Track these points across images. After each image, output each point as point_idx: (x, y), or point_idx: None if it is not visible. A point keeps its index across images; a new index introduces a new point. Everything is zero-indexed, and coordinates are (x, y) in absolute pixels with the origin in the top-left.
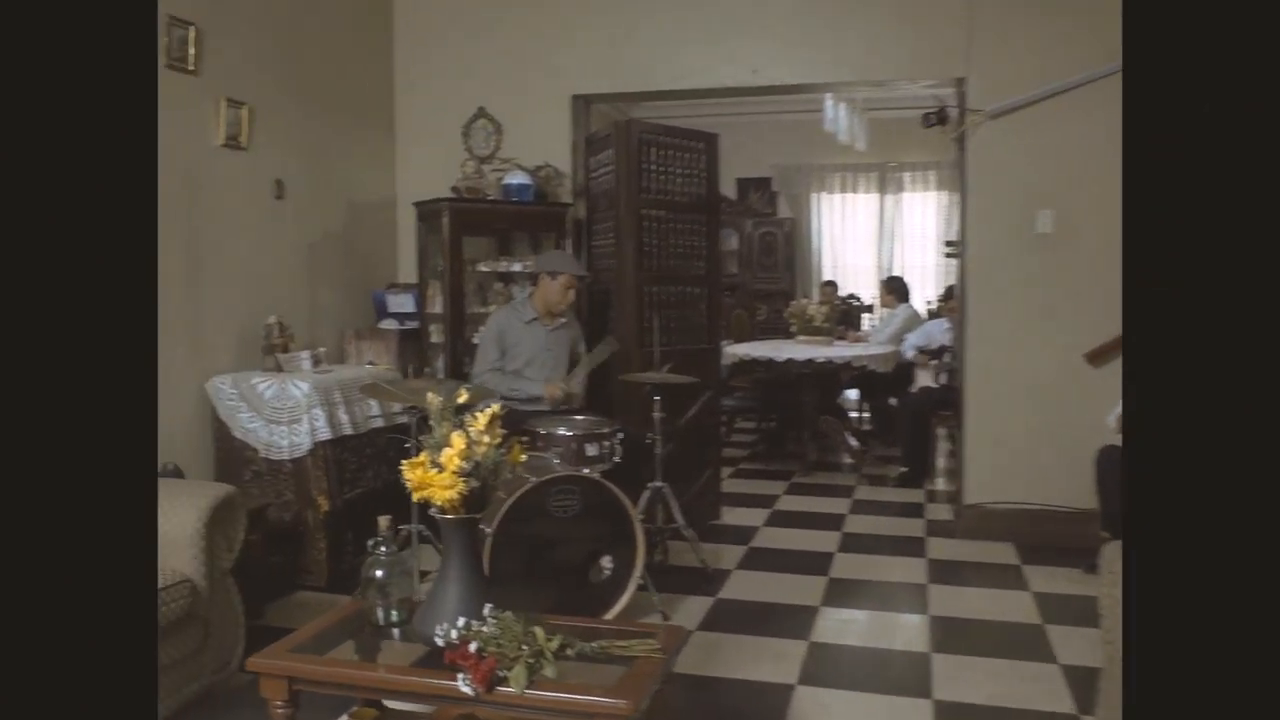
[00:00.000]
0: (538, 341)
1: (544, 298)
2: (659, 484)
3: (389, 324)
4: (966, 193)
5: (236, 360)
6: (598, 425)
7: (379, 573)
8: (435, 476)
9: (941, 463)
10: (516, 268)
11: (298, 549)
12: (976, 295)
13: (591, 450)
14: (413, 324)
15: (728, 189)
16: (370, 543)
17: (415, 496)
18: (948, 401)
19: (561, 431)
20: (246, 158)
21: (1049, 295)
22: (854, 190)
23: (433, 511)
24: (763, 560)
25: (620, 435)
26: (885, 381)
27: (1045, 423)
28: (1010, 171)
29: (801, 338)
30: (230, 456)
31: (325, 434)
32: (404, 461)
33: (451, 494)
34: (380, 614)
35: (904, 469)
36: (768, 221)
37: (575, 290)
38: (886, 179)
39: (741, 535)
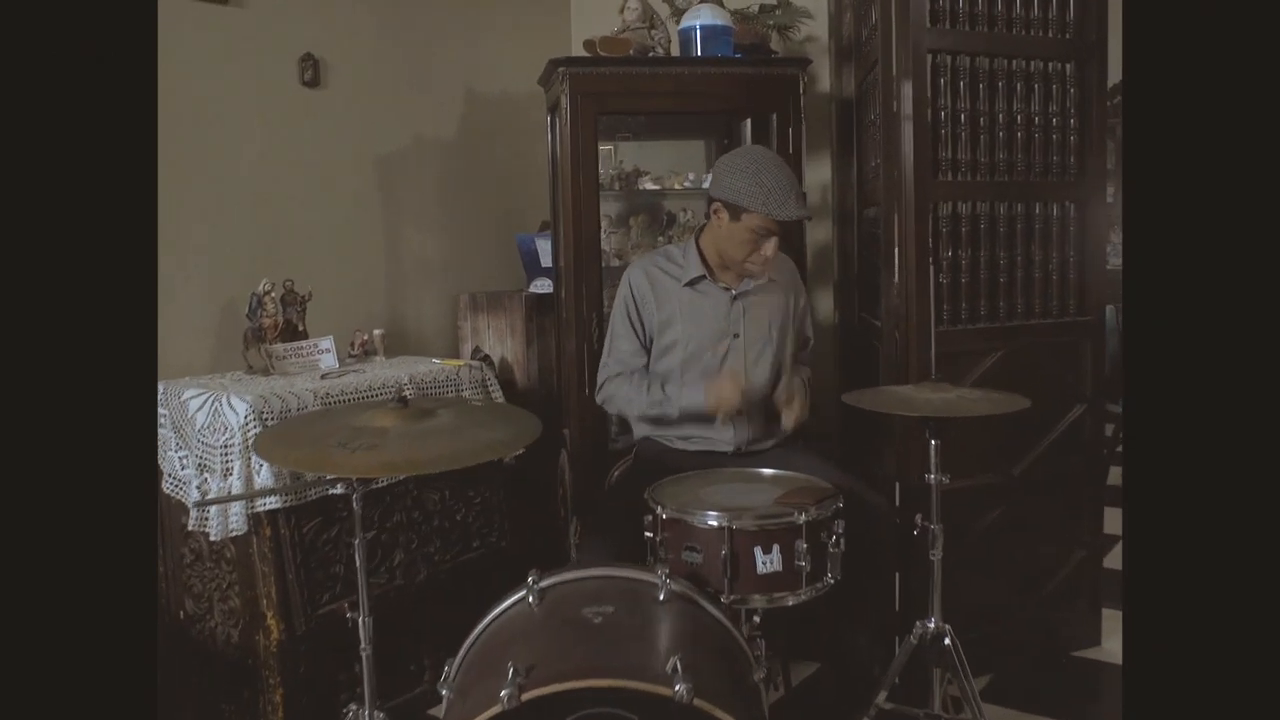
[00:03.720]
0: (712, 316)
1: (716, 244)
2: (934, 624)
3: (541, 286)
4: None
5: (216, 354)
6: (797, 498)
7: None
8: None
9: None
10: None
11: (254, 691)
12: None
13: (766, 561)
14: None
15: None
16: None
17: None
18: None
19: (709, 520)
20: (238, 17)
21: None
22: None
23: None
24: None
25: (840, 521)
26: None
27: None
28: None
29: None
30: (168, 522)
31: (271, 500)
32: None
33: None
34: None
35: None
36: None
37: (776, 242)
38: None
39: None
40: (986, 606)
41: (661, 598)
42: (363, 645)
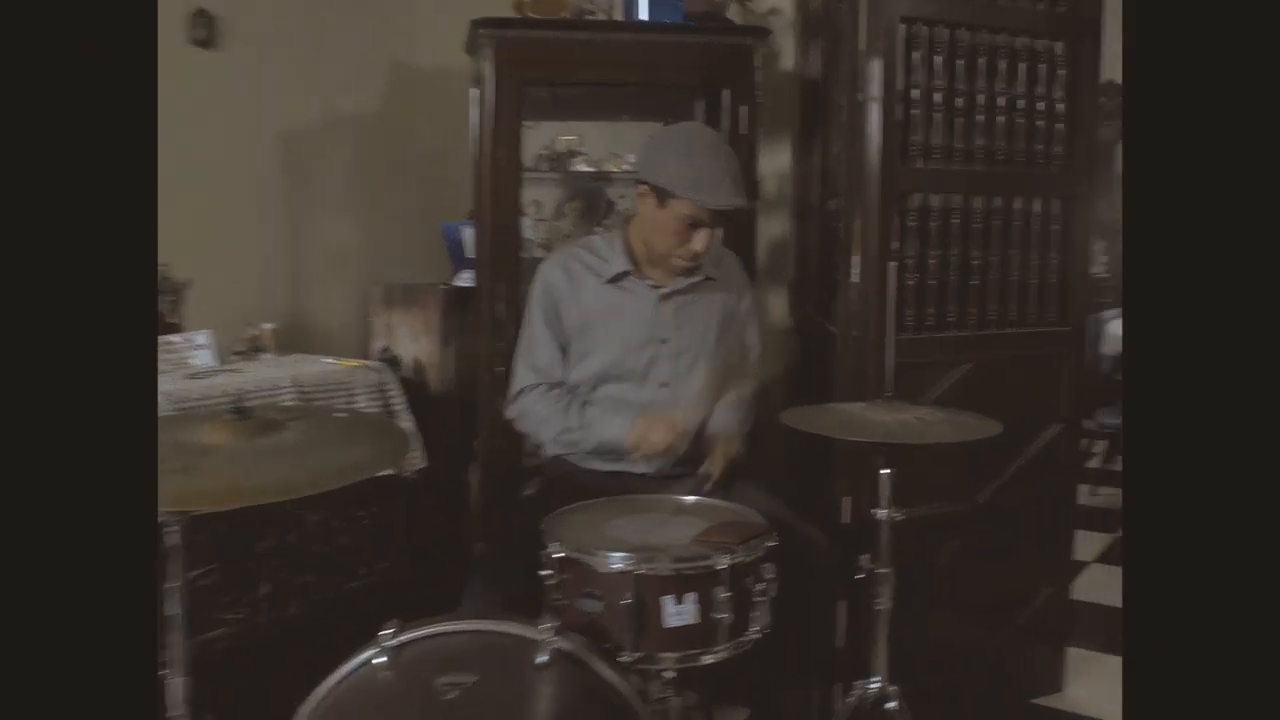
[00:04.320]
0: (636, 319)
1: (642, 234)
2: (878, 683)
3: (465, 280)
4: None
5: None
6: (720, 534)
7: None
8: None
9: None
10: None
11: None
12: None
13: (678, 613)
14: None
15: None
16: None
17: None
18: None
19: (612, 563)
20: None
21: None
22: None
23: None
24: None
25: (769, 563)
26: None
27: None
28: None
29: None
30: None
31: None
32: None
33: None
34: None
35: None
36: None
37: (711, 235)
38: None
39: None
40: (940, 649)
41: (541, 660)
42: (170, 711)
